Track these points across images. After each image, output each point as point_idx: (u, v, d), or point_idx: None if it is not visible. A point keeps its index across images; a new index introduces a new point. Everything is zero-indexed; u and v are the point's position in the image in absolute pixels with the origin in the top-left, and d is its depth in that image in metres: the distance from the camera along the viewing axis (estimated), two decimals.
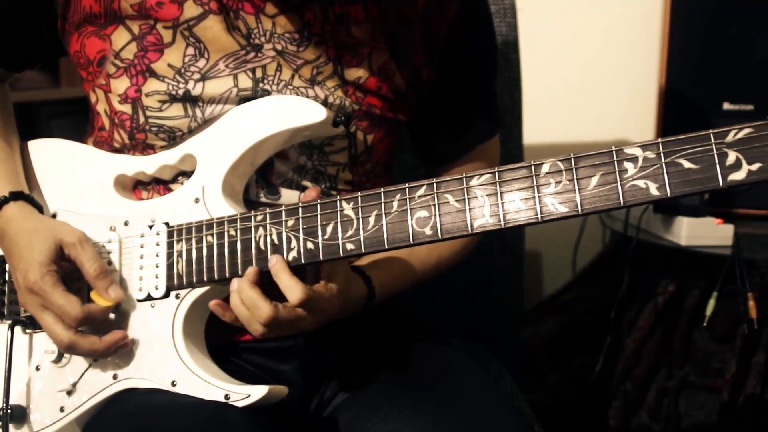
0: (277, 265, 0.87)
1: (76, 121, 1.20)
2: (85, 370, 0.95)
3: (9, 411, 0.95)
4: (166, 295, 0.93)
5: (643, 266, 1.70)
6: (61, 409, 0.95)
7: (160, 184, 1.00)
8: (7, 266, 1.02)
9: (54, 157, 1.05)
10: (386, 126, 1.04)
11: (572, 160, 0.78)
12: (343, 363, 1.04)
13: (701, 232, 1.61)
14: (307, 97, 0.97)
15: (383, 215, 0.84)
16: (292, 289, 0.85)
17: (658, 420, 1.66)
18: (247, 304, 0.86)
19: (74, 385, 0.95)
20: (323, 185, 1.01)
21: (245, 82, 0.96)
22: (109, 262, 0.96)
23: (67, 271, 0.95)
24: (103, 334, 0.92)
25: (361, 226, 0.85)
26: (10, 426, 0.97)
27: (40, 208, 1.00)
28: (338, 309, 0.91)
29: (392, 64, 1.01)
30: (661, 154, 0.75)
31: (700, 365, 1.63)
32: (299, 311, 0.86)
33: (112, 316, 0.95)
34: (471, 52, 1.08)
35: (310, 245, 0.87)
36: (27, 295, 0.92)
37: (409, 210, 0.83)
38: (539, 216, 0.78)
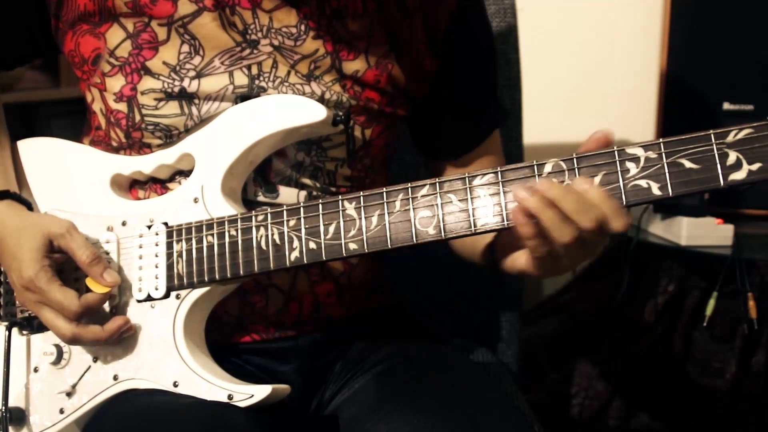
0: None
1: (76, 121, 1.20)
2: (85, 372, 0.95)
3: (8, 414, 0.95)
4: (167, 296, 0.93)
5: (643, 266, 1.70)
6: (61, 411, 0.95)
7: (157, 183, 0.99)
8: (2, 266, 1.02)
9: (46, 157, 1.04)
10: (384, 121, 1.03)
11: (574, 160, 0.78)
12: (343, 363, 1.04)
13: (701, 232, 1.61)
14: (304, 93, 0.97)
15: (386, 215, 0.84)
16: (589, 185, 0.76)
17: (659, 420, 1.66)
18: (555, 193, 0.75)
19: (74, 386, 0.95)
20: (322, 181, 1.01)
21: (241, 79, 0.96)
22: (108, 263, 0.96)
23: (61, 262, 0.94)
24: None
25: (363, 225, 0.85)
26: (10, 428, 0.96)
27: (28, 205, 0.99)
28: None
29: (391, 56, 1.01)
30: (663, 154, 0.75)
31: (700, 365, 1.63)
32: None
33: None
34: (472, 42, 1.08)
35: (312, 245, 0.87)
36: (24, 293, 0.92)
37: (412, 210, 0.83)
38: None
